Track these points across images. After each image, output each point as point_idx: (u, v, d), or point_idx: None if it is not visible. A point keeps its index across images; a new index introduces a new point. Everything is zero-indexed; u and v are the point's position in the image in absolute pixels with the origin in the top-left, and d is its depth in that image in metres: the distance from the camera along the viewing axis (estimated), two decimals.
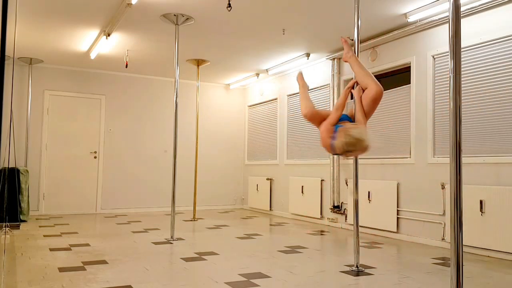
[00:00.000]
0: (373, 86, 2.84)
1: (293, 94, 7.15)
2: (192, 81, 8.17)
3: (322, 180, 6.31)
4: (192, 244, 4.50)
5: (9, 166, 6.09)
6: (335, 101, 5.99)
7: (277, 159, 7.53)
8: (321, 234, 5.31)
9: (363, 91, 2.94)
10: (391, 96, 5.28)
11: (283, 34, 5.29)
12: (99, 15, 4.79)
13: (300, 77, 3.26)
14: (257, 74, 7.54)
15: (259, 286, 2.90)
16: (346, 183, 5.83)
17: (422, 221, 4.70)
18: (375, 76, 5.68)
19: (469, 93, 4.31)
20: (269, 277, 3.14)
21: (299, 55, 6.29)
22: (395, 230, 5.00)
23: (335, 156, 5.98)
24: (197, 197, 8.06)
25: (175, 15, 4.67)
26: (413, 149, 4.89)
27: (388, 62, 5.33)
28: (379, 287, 2.93)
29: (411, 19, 4.63)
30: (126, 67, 7.08)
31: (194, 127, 8.05)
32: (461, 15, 4.35)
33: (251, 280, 3.03)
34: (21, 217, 5.99)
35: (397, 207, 5.01)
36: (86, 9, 4.60)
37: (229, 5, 4.16)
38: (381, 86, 2.85)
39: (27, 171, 6.29)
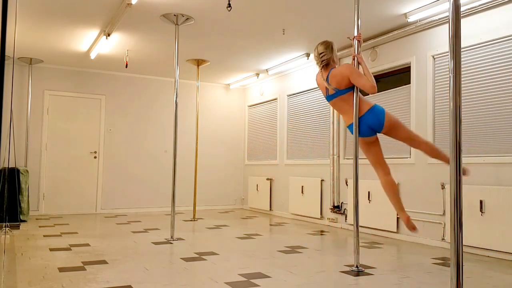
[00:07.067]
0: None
1: (293, 94, 7.15)
2: (192, 81, 8.17)
3: (322, 180, 6.30)
4: (192, 244, 4.50)
5: (9, 166, 6.08)
6: None
7: (277, 159, 7.53)
8: (321, 234, 5.31)
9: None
10: (391, 96, 5.28)
11: (283, 34, 5.29)
12: (99, 15, 4.79)
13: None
14: (257, 74, 7.53)
15: (259, 286, 2.90)
16: (346, 183, 5.83)
17: (422, 221, 4.70)
18: (375, 76, 5.69)
19: (469, 93, 4.31)
20: (269, 277, 3.14)
21: (299, 55, 6.29)
22: (395, 230, 5.00)
23: (335, 156, 5.99)
24: (197, 197, 8.06)
25: (175, 15, 4.67)
26: (413, 149, 4.89)
27: (388, 62, 5.33)
28: (379, 287, 2.93)
29: (411, 19, 4.63)
30: (126, 67, 7.08)
31: (194, 127, 8.05)
32: (461, 15, 4.35)
33: (251, 280, 3.03)
34: (21, 217, 5.99)
35: None
36: (86, 9, 4.60)
37: (229, 5, 4.16)
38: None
39: (27, 171, 6.29)
